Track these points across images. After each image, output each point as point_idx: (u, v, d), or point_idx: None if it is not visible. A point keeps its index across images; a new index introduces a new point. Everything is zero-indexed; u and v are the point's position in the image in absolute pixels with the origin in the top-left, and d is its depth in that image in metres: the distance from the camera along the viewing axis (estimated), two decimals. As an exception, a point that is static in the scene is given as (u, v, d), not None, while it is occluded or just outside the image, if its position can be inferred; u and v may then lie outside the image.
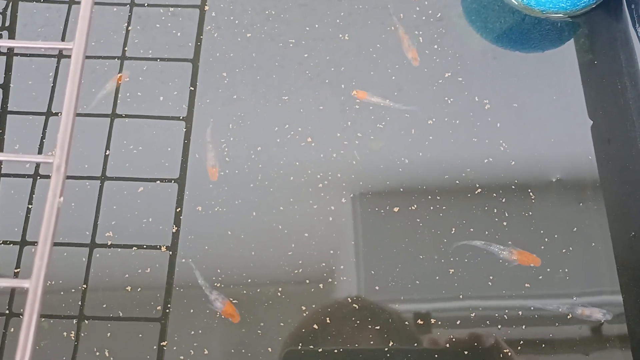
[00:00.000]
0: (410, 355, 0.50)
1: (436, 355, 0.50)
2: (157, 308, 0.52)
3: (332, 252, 0.54)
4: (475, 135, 0.58)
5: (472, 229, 0.54)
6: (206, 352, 0.51)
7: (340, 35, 0.63)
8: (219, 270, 0.53)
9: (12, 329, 0.51)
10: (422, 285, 0.53)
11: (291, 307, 0.52)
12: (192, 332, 0.51)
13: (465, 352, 0.50)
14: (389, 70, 0.61)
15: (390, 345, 0.50)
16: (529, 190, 0.56)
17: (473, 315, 0.51)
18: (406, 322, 0.51)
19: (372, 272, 0.53)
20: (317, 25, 0.64)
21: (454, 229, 0.55)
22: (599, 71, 0.61)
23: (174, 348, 0.51)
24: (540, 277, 0.53)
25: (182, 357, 0.51)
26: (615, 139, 0.59)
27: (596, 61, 0.62)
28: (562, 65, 0.62)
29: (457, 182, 0.57)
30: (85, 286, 0.53)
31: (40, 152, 0.60)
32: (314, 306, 0.52)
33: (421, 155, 0.58)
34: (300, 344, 0.50)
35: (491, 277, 0.53)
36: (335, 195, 0.56)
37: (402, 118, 0.59)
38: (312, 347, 0.50)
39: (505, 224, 0.55)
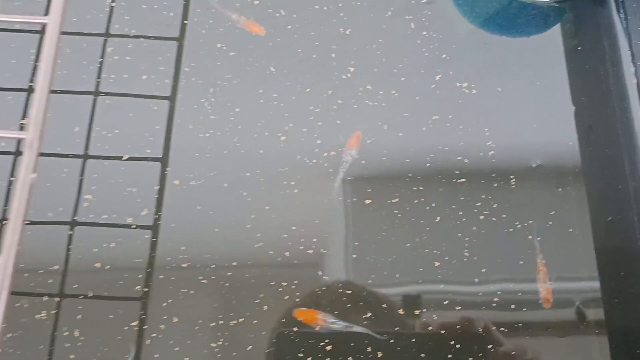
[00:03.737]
0: (400, 338, 0.50)
1: (425, 340, 0.50)
2: (137, 288, 0.52)
3: (294, 228, 0.54)
4: (458, 120, 0.58)
5: (460, 213, 0.54)
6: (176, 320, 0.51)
7: (341, 27, 0.62)
8: (183, 248, 0.53)
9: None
10: (406, 271, 0.53)
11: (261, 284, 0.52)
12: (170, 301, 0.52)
13: (454, 339, 0.50)
14: (378, 52, 0.61)
15: (381, 328, 0.51)
16: (511, 177, 0.57)
17: (457, 299, 0.52)
18: (391, 308, 0.52)
19: (353, 254, 0.54)
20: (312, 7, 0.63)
21: (439, 218, 0.55)
22: (582, 57, 0.61)
23: (152, 324, 0.51)
24: (520, 262, 0.53)
25: (162, 326, 0.51)
26: (596, 125, 0.59)
27: (580, 47, 0.61)
28: (547, 51, 0.61)
29: (440, 167, 0.57)
30: (58, 266, 0.53)
31: (22, 129, 0.59)
32: (284, 283, 0.52)
33: (401, 138, 0.58)
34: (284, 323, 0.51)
35: (468, 260, 0.53)
36: (313, 176, 0.56)
37: (384, 102, 0.59)
38: (303, 328, 0.50)
39: (487, 212, 0.55)
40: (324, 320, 0.50)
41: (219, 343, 0.50)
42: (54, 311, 0.50)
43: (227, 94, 0.59)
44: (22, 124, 0.58)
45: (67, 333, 0.50)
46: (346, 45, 0.61)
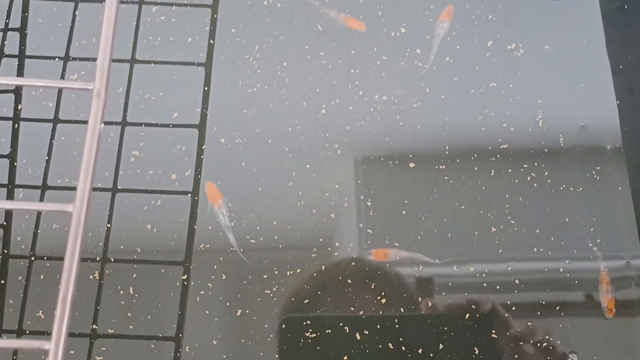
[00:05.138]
0: (410, 319, 0.50)
1: (434, 320, 0.50)
2: (184, 247, 0.52)
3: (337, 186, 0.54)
4: (504, 82, 0.58)
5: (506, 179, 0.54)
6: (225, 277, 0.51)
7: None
8: (230, 205, 0.53)
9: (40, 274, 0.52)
10: (427, 245, 0.53)
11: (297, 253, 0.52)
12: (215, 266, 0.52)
13: (465, 317, 0.50)
14: (430, 19, 0.60)
15: (389, 309, 0.51)
16: (560, 136, 0.56)
17: (485, 276, 0.52)
18: (405, 285, 0.52)
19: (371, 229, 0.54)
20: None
21: (484, 187, 0.54)
22: (627, 17, 0.60)
23: (200, 281, 0.51)
24: (563, 229, 0.53)
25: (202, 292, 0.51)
26: (639, 88, 0.58)
27: (626, 6, 0.61)
28: (592, 11, 0.61)
29: (484, 129, 0.57)
30: (109, 225, 0.53)
31: (59, 97, 0.59)
32: (337, 243, 0.52)
33: (443, 99, 0.57)
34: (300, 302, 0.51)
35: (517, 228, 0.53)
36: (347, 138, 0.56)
37: (435, 65, 0.59)
38: (309, 313, 0.50)
39: (531, 176, 0.55)
40: None
41: (274, 289, 0.51)
42: (107, 271, 0.51)
43: (274, 50, 0.59)
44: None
45: (122, 292, 0.50)
46: (395, 7, 0.61)
